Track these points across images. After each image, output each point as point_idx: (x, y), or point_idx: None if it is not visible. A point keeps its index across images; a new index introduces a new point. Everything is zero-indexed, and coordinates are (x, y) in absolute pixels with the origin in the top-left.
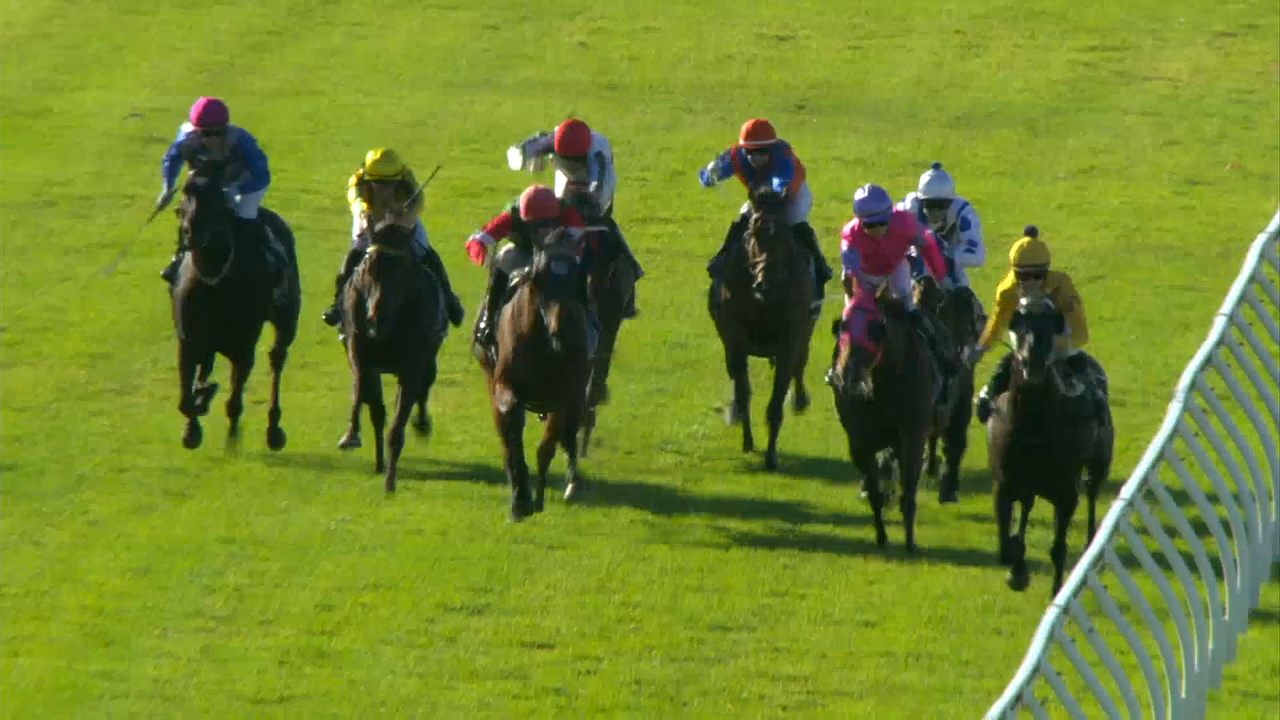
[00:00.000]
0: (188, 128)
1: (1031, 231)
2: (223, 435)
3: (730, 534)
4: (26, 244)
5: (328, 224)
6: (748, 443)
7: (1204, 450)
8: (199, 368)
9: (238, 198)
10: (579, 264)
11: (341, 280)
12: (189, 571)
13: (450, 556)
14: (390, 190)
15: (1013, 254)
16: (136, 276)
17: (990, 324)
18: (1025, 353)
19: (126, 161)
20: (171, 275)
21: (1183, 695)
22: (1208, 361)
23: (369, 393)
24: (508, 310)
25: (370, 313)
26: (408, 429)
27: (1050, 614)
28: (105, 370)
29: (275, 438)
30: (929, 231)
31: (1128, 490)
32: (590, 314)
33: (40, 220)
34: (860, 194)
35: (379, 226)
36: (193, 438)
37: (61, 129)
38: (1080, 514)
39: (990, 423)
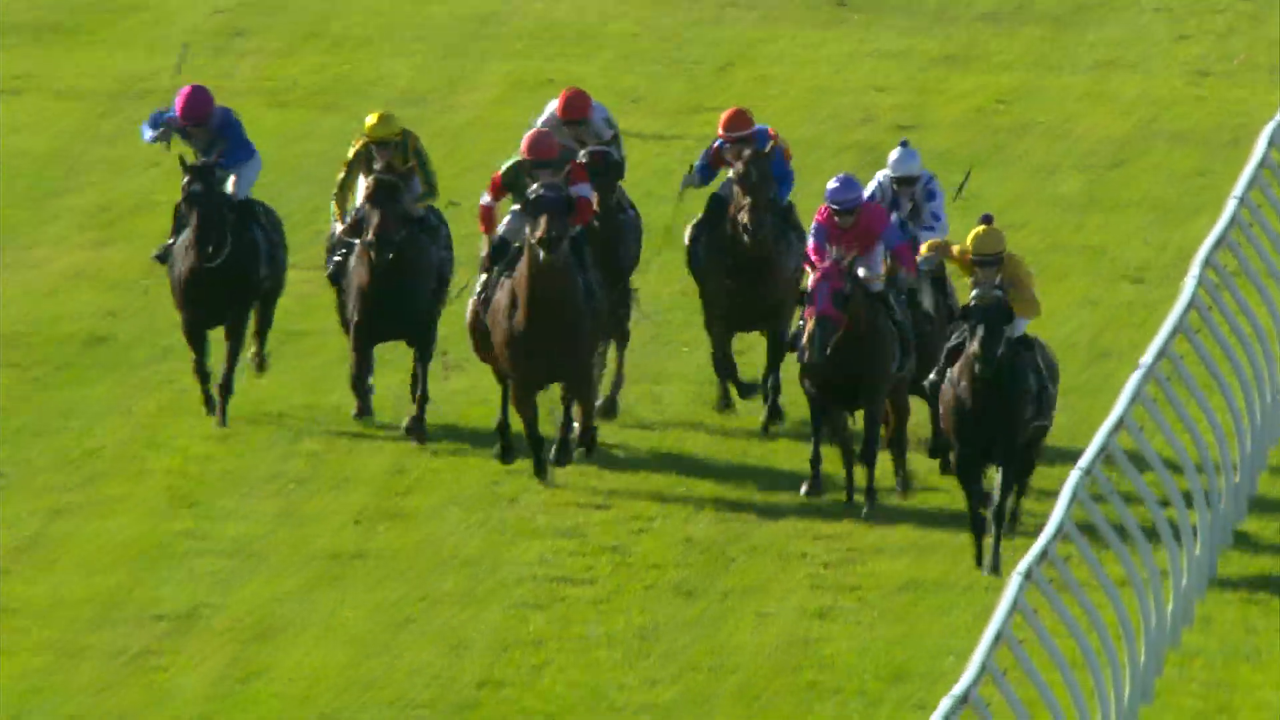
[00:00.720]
0: (168, 115)
1: (987, 219)
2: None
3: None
4: (115, 133)
5: (398, 114)
6: (724, 401)
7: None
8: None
9: (231, 180)
10: (574, 204)
11: (333, 278)
12: (268, 437)
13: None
14: (389, 151)
15: (969, 241)
16: None
17: (943, 245)
18: (976, 346)
19: (211, 55)
20: (165, 257)
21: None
22: (1220, 241)
23: (365, 365)
24: (502, 290)
25: (369, 234)
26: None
27: (1014, 580)
28: None
29: (225, 415)
30: (900, 232)
31: (1120, 407)
32: (590, 280)
33: (129, 111)
34: (832, 183)
35: (379, 166)
36: (210, 407)
37: (149, 23)
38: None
39: (941, 391)
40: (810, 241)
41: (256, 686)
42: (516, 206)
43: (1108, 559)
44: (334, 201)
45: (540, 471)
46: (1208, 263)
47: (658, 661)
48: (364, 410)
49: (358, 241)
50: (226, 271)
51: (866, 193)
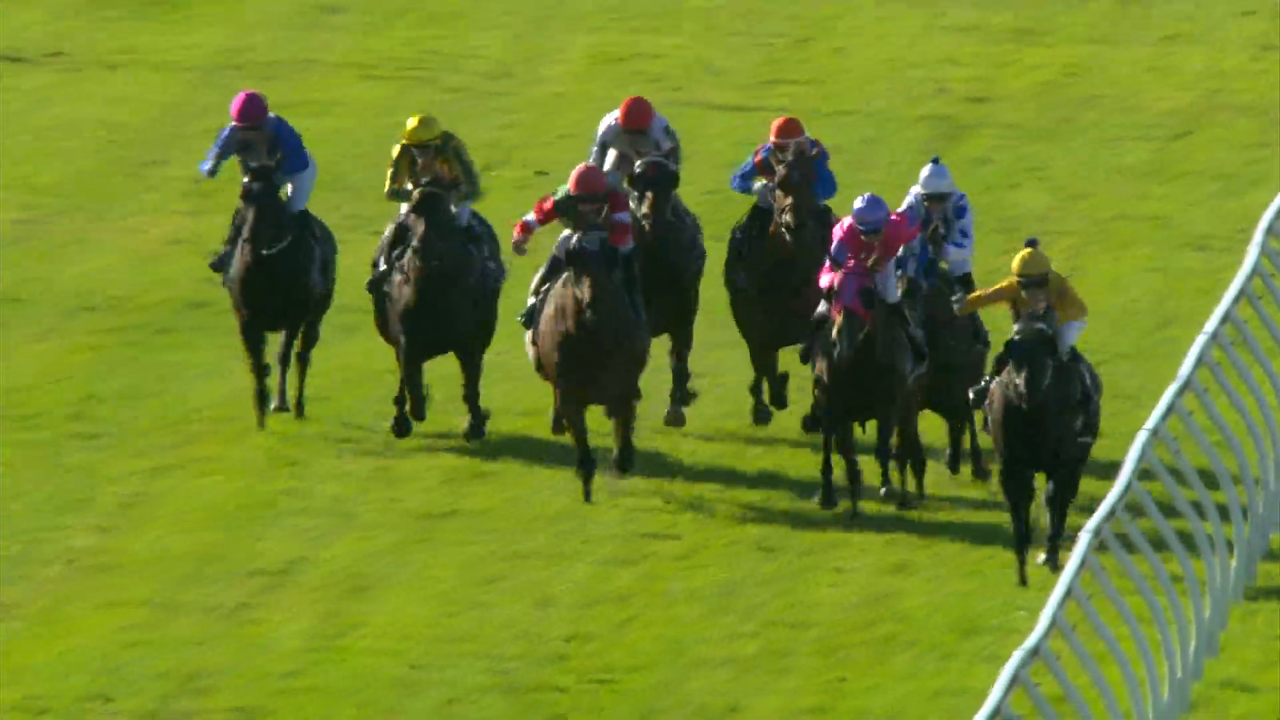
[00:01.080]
0: (229, 127)
1: (1032, 243)
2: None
3: None
4: (212, 105)
5: (486, 87)
6: (760, 415)
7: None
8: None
9: (288, 187)
10: (617, 249)
11: (382, 269)
12: (362, 400)
13: None
14: (430, 154)
15: (1014, 264)
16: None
17: (985, 292)
18: (1022, 382)
19: (304, 30)
20: (221, 266)
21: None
22: None
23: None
24: (550, 304)
25: (414, 242)
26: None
27: (1083, 538)
28: None
29: (284, 395)
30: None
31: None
32: (637, 300)
33: (227, 83)
34: (859, 203)
35: (424, 178)
36: (263, 405)
37: None
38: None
39: (988, 408)
40: (832, 249)
41: (349, 640)
42: (567, 232)
43: (1175, 519)
44: (395, 200)
45: (587, 493)
46: (1270, 230)
47: (738, 616)
48: (413, 417)
49: (400, 254)
50: (283, 271)
51: (902, 208)
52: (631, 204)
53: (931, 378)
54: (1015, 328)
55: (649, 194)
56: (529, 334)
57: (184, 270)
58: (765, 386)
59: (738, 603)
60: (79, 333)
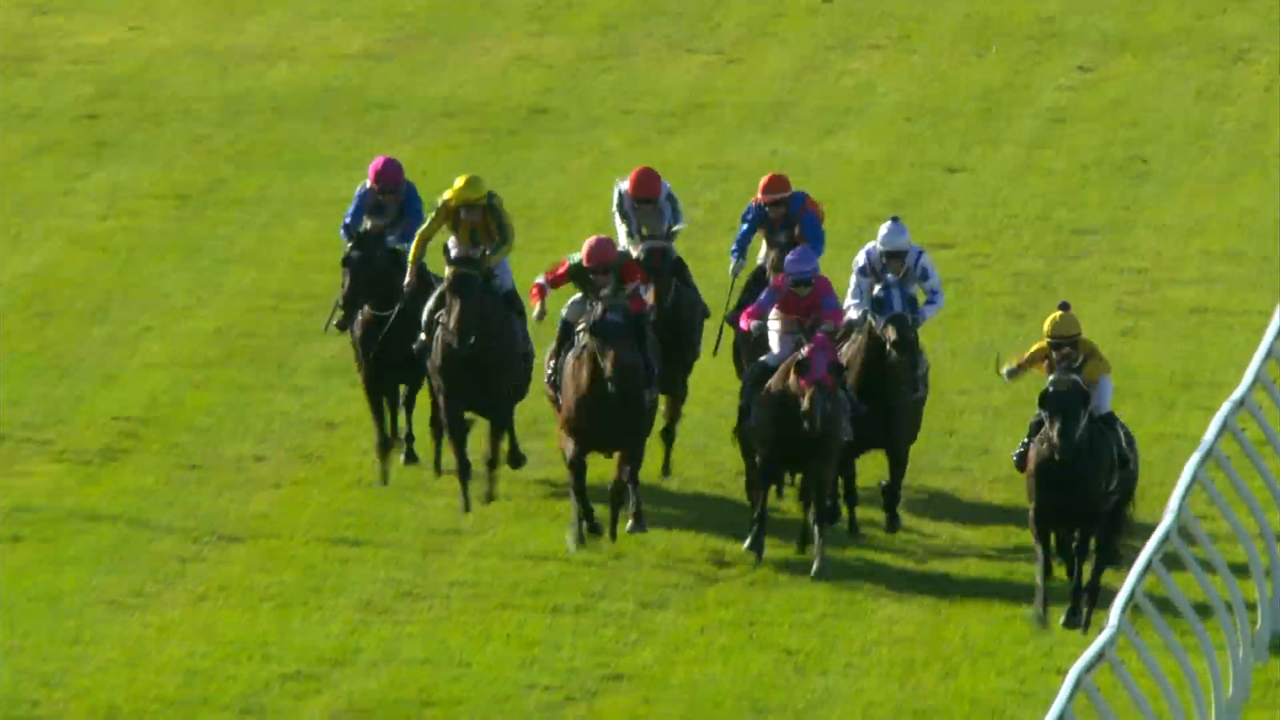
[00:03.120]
0: (365, 185)
1: (1064, 306)
2: None
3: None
4: None
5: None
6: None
7: None
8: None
9: (398, 246)
10: (634, 316)
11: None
12: None
13: None
14: (476, 215)
15: (1046, 326)
16: None
17: (1023, 359)
18: (1055, 434)
19: None
20: (345, 326)
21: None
22: None
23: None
24: (570, 360)
25: (451, 325)
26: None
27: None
28: (613, 40)
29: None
30: (834, 301)
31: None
32: (649, 359)
33: None
34: (791, 256)
35: (455, 254)
36: (410, 457)
37: None
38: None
39: (1026, 476)
40: (761, 297)
41: None
42: (578, 296)
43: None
44: (413, 247)
45: (580, 539)
46: None
47: (993, 371)
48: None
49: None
50: (403, 321)
51: (857, 264)
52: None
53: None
54: (1049, 379)
55: (611, 352)
56: (549, 385)
57: (528, 83)
58: None
59: (992, 355)
60: (440, 135)
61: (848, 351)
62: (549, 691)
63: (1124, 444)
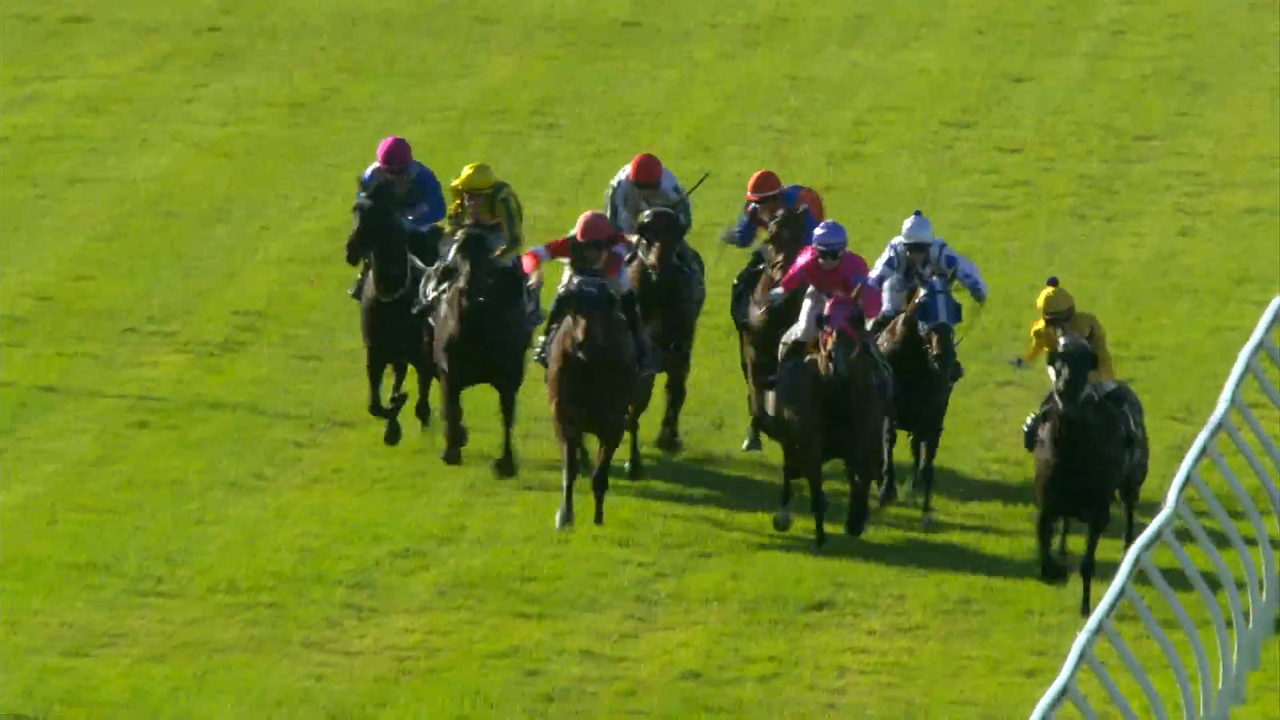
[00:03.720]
0: (374, 166)
1: (1053, 282)
2: None
3: None
4: None
5: None
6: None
7: None
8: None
9: (410, 219)
10: (611, 289)
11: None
12: None
13: None
14: (480, 202)
15: (1040, 303)
16: None
17: (1033, 347)
18: (1061, 385)
19: None
20: (358, 294)
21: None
22: None
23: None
24: (557, 335)
25: (461, 282)
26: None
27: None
28: None
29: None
30: (872, 279)
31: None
32: (642, 338)
33: None
34: (820, 229)
35: (468, 220)
36: (392, 436)
37: None
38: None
39: (1035, 451)
40: (790, 270)
41: None
42: (568, 273)
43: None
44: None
45: (567, 515)
46: None
47: (1057, 268)
48: (452, 455)
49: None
50: (403, 306)
51: (883, 259)
52: (640, 253)
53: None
54: (1061, 341)
55: (656, 243)
56: (538, 356)
57: None
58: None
59: (1055, 259)
60: (539, 47)
61: (885, 343)
62: (642, 568)
63: (1133, 428)
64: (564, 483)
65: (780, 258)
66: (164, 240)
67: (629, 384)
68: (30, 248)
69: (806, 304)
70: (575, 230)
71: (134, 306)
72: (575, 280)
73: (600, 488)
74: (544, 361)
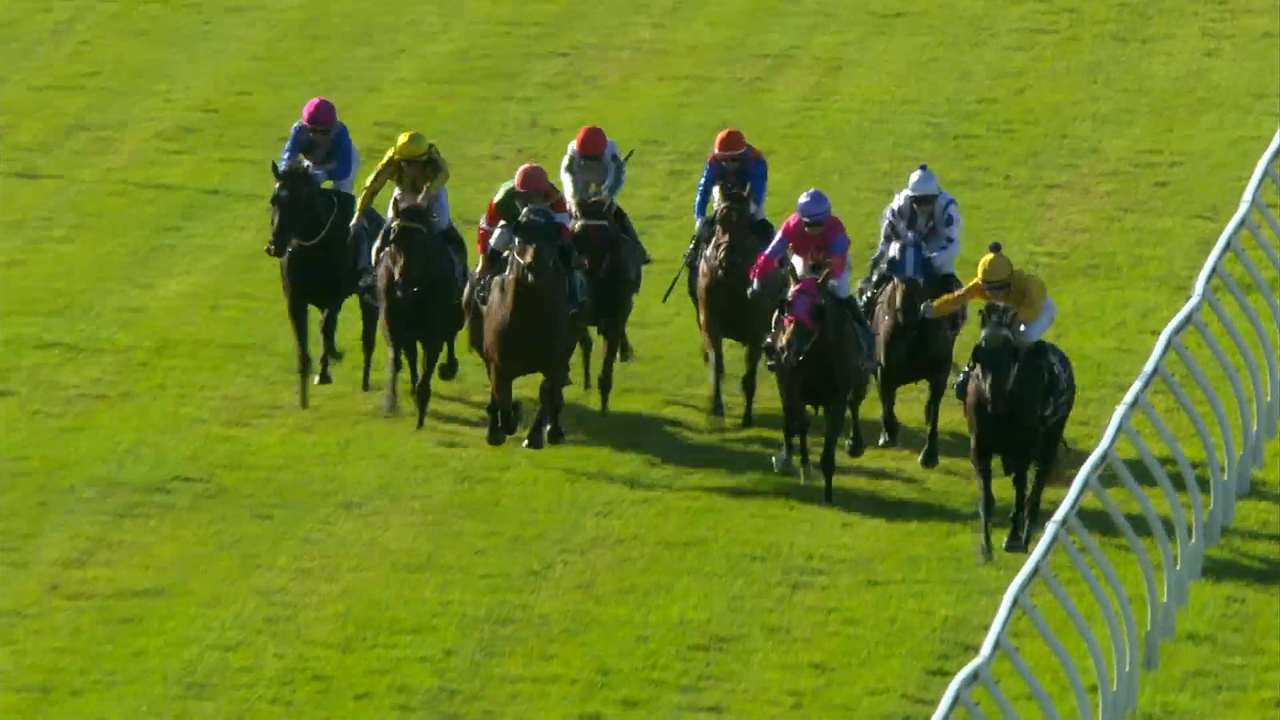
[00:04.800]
0: (300, 123)
1: (995, 248)
2: None
3: None
4: None
5: None
6: (717, 408)
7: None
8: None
9: (327, 182)
10: (558, 219)
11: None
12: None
13: None
14: (417, 168)
15: (979, 269)
16: None
17: (954, 296)
18: (987, 387)
19: None
20: (278, 254)
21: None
22: None
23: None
24: (496, 284)
25: (396, 276)
26: (435, 376)
27: (1049, 529)
28: None
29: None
30: (844, 243)
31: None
32: (573, 281)
33: None
34: (804, 198)
35: (402, 205)
36: (323, 379)
37: None
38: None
39: (967, 399)
40: (771, 245)
41: None
42: (503, 224)
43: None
44: (360, 198)
45: (496, 438)
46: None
47: (1100, 85)
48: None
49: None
50: (325, 250)
51: (889, 210)
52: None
53: (914, 364)
54: (982, 334)
55: (530, 246)
56: (468, 308)
57: None
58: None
59: (1099, 77)
60: None
61: (888, 294)
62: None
63: (1055, 369)
64: (491, 413)
65: (725, 238)
66: (312, 59)
67: (564, 324)
68: (196, 68)
69: (798, 264)
70: (514, 181)
71: (285, 119)
72: (525, 210)
73: (535, 441)
74: (481, 300)
